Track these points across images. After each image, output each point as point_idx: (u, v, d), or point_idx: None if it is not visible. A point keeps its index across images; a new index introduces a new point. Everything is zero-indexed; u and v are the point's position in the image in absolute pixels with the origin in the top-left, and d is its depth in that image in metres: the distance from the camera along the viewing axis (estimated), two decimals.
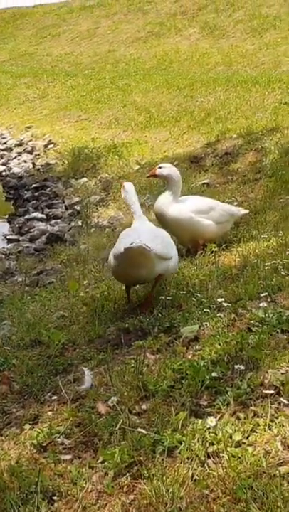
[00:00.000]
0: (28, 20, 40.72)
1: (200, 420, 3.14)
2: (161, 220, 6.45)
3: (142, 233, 4.93)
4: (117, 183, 11.70)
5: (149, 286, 5.28)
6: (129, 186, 5.47)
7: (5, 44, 37.67)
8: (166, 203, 6.41)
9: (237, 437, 2.98)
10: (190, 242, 6.58)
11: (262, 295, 4.76)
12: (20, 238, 10.65)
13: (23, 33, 38.55)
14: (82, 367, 4.07)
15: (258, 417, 3.13)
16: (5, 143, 19.29)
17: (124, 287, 5.36)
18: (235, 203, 8.18)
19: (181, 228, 6.40)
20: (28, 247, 9.91)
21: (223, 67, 23.01)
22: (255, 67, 22.03)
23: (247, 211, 6.97)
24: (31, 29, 38.92)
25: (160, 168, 6.47)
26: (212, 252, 6.35)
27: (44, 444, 3.25)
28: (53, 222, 11.15)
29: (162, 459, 2.91)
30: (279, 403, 3.20)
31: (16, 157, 17.52)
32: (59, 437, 3.29)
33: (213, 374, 3.56)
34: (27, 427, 3.51)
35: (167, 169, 6.43)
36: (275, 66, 21.11)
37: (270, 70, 20.21)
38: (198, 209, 6.45)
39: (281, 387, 3.32)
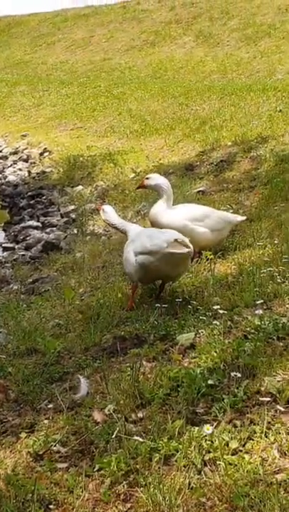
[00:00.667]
0: (23, 29, 40.80)
1: (196, 428, 3.14)
2: (155, 227, 6.46)
3: (174, 233, 5.33)
4: (112, 191, 11.72)
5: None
6: (108, 208, 5.98)
7: (0, 52, 37.72)
8: (161, 210, 6.42)
9: (234, 445, 2.98)
10: None
11: (258, 302, 4.76)
12: (16, 246, 10.63)
13: (18, 42, 38.62)
14: (78, 375, 4.06)
15: (254, 424, 3.12)
16: (0, 151, 19.29)
17: (130, 290, 5.57)
18: (231, 211, 8.19)
19: None
20: (23, 255, 9.89)
21: (218, 76, 23.08)
22: (250, 75, 22.10)
23: (244, 218, 6.98)
24: (26, 37, 38.99)
25: (147, 179, 6.54)
26: (208, 260, 6.35)
27: (40, 453, 3.25)
28: (48, 230, 11.14)
29: (159, 467, 2.91)
30: (275, 410, 3.20)
31: (11, 165, 17.51)
32: (55, 445, 3.28)
33: (210, 381, 3.56)
34: (23, 435, 3.50)
35: (155, 179, 6.49)
36: (270, 74, 21.18)
37: (265, 78, 20.27)
38: (193, 216, 6.46)
39: (277, 395, 3.32)
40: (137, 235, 5.57)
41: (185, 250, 5.15)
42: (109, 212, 5.91)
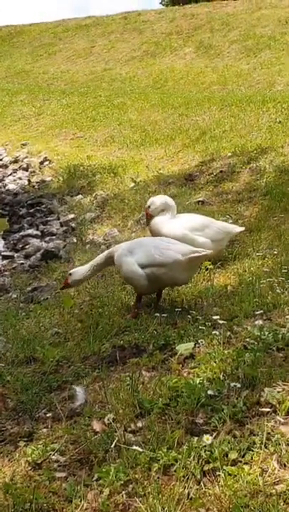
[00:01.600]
0: (24, 39, 40.96)
1: (196, 438, 3.13)
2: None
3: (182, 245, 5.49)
4: (112, 200, 11.73)
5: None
6: (74, 271, 5.87)
7: (1, 62, 37.86)
8: (161, 221, 6.45)
9: (233, 455, 2.96)
10: None
11: (257, 313, 4.76)
12: (15, 255, 10.62)
13: (20, 51, 38.76)
14: (74, 386, 4.04)
15: (254, 435, 3.11)
16: (0, 160, 19.32)
17: (135, 299, 5.57)
18: (230, 221, 8.21)
19: None
20: (22, 263, 9.88)
21: (218, 87, 23.17)
22: (250, 86, 22.19)
23: (242, 229, 6.99)
24: (27, 47, 39.14)
25: (149, 207, 6.58)
26: (207, 270, 6.36)
27: (39, 462, 3.23)
28: (47, 238, 11.13)
29: (158, 477, 2.90)
30: (275, 421, 3.19)
31: (11, 174, 17.54)
32: (54, 455, 3.27)
33: (209, 392, 3.55)
34: (21, 444, 3.48)
35: (155, 203, 6.57)
36: (270, 85, 21.28)
37: (265, 90, 20.36)
38: (193, 226, 6.48)
39: (277, 406, 3.31)
40: (133, 246, 5.56)
41: (207, 252, 5.39)
42: (77, 271, 5.83)
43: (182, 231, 6.39)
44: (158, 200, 6.62)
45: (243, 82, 23.11)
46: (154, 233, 6.50)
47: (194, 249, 5.36)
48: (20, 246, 11.11)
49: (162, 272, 5.28)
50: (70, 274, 5.85)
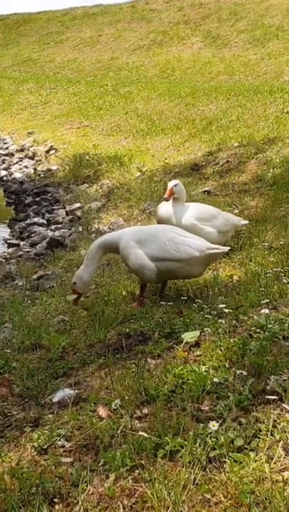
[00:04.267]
0: (31, 27, 40.87)
1: (201, 425, 3.13)
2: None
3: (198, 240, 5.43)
4: (117, 189, 11.72)
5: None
6: (78, 273, 5.59)
7: (8, 50, 37.78)
8: (170, 210, 6.43)
9: (239, 442, 2.97)
10: None
11: (263, 302, 4.75)
12: (21, 243, 10.65)
13: (27, 39, 38.68)
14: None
15: (260, 422, 3.11)
16: (7, 148, 19.33)
17: (139, 288, 5.53)
18: (236, 211, 8.20)
19: None
20: (28, 251, 9.91)
21: (226, 76, 23.09)
22: (258, 76, 22.10)
23: (247, 222, 6.98)
24: (35, 35, 39.06)
25: (176, 185, 6.40)
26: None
27: (45, 447, 3.24)
28: (53, 227, 11.16)
29: (164, 463, 2.90)
30: (281, 409, 3.19)
31: (17, 162, 17.55)
32: (60, 440, 3.27)
33: (215, 379, 3.55)
34: (27, 429, 3.49)
35: (179, 185, 6.41)
36: (277, 76, 21.19)
37: (272, 80, 20.28)
38: (202, 217, 6.47)
39: (283, 393, 3.31)
40: (142, 236, 5.37)
41: (226, 249, 5.39)
42: (78, 277, 5.56)
43: (192, 221, 6.37)
44: (181, 184, 6.49)
45: (250, 72, 23.03)
46: (163, 221, 6.46)
47: (211, 246, 5.29)
48: (26, 234, 11.15)
49: (177, 266, 5.23)
50: (74, 283, 5.57)
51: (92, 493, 2.80)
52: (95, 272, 5.83)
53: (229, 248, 5.60)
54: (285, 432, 2.99)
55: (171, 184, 6.40)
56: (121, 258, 5.67)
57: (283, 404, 3.21)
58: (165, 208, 6.52)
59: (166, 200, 6.40)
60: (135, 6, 37.14)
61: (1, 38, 40.84)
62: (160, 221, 6.57)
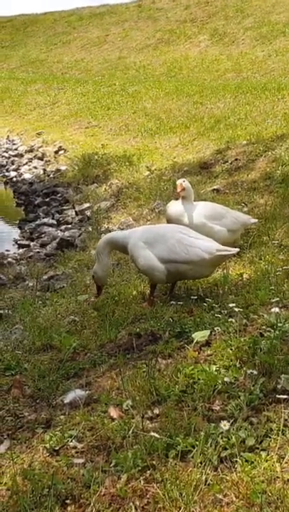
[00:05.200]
0: (38, 28, 40.94)
1: (212, 425, 3.13)
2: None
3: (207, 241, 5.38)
4: (126, 189, 11.73)
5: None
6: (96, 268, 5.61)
7: (16, 51, 37.86)
8: (180, 209, 6.42)
9: (250, 442, 2.97)
10: None
11: (273, 300, 4.74)
12: (31, 243, 10.68)
13: (34, 40, 38.75)
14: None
15: (271, 422, 3.12)
16: (16, 149, 19.38)
17: (149, 288, 5.51)
18: (245, 209, 8.18)
19: None
20: (38, 252, 9.94)
21: (233, 74, 23.04)
22: (265, 73, 22.05)
23: (256, 221, 6.97)
24: (42, 36, 39.13)
25: (184, 181, 6.43)
26: None
27: (56, 448, 3.25)
28: (63, 227, 11.18)
29: (175, 463, 2.91)
30: None
31: (26, 163, 17.60)
32: (71, 441, 3.29)
33: (226, 379, 3.55)
34: (39, 430, 3.51)
35: (187, 182, 6.43)
36: (285, 73, 21.12)
37: (280, 77, 20.21)
38: (211, 215, 6.46)
39: None
40: (151, 237, 5.35)
41: (235, 250, 5.32)
42: (96, 270, 5.62)
43: (201, 220, 6.37)
44: (188, 182, 6.51)
45: (257, 69, 22.97)
46: (172, 220, 6.45)
47: (221, 248, 5.26)
48: (36, 235, 11.18)
49: (187, 268, 5.23)
50: (94, 275, 5.66)
51: (104, 494, 2.81)
52: (110, 264, 5.84)
53: (238, 250, 5.57)
54: None
55: (179, 181, 6.42)
56: (130, 258, 5.68)
57: None
58: (174, 207, 6.51)
59: (178, 196, 6.41)
60: (142, 5, 37.13)
61: (9, 39, 40.96)
62: (169, 220, 6.57)
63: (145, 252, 5.29)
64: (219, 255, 5.21)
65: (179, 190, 6.34)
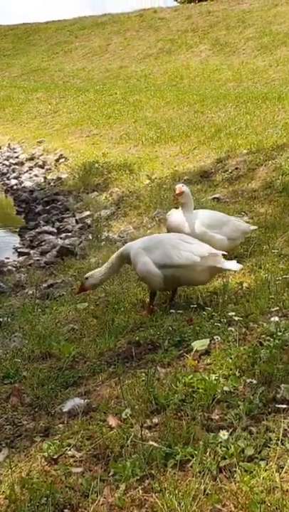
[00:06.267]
0: (40, 36, 41.06)
1: (212, 434, 3.12)
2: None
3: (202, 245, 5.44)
4: (127, 197, 11.73)
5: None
6: (89, 275, 5.66)
7: (18, 59, 37.98)
8: (182, 217, 6.42)
9: (249, 452, 2.96)
10: None
11: (273, 309, 4.74)
12: (31, 251, 10.66)
13: (36, 49, 38.86)
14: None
15: (270, 431, 3.10)
16: (17, 157, 19.40)
17: (149, 296, 5.52)
18: (245, 218, 8.19)
19: None
20: (38, 260, 9.92)
21: (234, 84, 23.10)
22: (266, 83, 22.10)
23: (255, 227, 6.99)
24: (44, 45, 39.24)
25: (184, 185, 6.44)
26: None
27: (55, 457, 3.24)
28: (63, 235, 11.17)
29: (174, 473, 2.90)
30: None
31: (27, 171, 17.61)
32: (70, 450, 3.27)
33: (225, 388, 3.54)
34: (38, 439, 3.50)
35: (186, 188, 6.43)
36: (286, 82, 21.16)
37: (281, 87, 20.25)
38: (212, 224, 6.46)
39: None
40: (150, 244, 5.42)
41: (235, 268, 5.41)
42: (92, 274, 5.66)
43: (202, 229, 6.37)
44: (187, 188, 6.51)
45: (258, 79, 23.02)
46: (173, 228, 6.45)
47: (214, 251, 5.33)
48: (36, 243, 11.16)
49: (181, 273, 5.25)
50: (87, 278, 5.68)
51: (102, 504, 2.80)
52: (108, 278, 5.85)
53: (241, 266, 5.59)
54: None
55: (178, 185, 6.45)
56: (132, 266, 5.69)
57: None
58: (175, 216, 6.51)
59: (176, 199, 6.42)
60: (143, 15, 37.25)
61: (11, 47, 41.08)
62: (170, 229, 6.57)
63: (144, 257, 5.35)
64: (212, 261, 5.23)
65: (177, 192, 6.35)
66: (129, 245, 5.68)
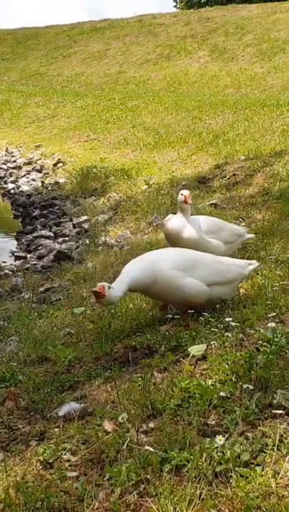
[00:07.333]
0: (39, 41, 41.15)
1: (208, 439, 3.11)
2: (174, 241, 6.39)
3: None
4: (124, 202, 11.74)
5: None
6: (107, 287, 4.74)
7: (16, 64, 38.04)
8: (180, 223, 6.41)
9: (245, 457, 2.95)
10: None
11: (270, 315, 4.73)
12: (28, 255, 10.67)
13: (35, 53, 38.94)
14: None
15: (266, 437, 3.10)
16: (14, 161, 19.42)
17: (185, 314, 5.12)
18: (243, 224, 8.19)
19: (192, 248, 6.38)
20: (35, 264, 9.92)
21: (232, 90, 23.16)
22: (264, 90, 22.17)
23: (253, 236, 6.99)
24: (43, 49, 39.33)
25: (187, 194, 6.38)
26: None
27: (50, 461, 3.23)
28: (60, 240, 11.17)
29: (170, 478, 2.89)
30: (288, 423, 3.17)
31: (25, 175, 17.63)
32: (65, 454, 3.26)
33: (221, 393, 3.54)
34: (33, 443, 3.49)
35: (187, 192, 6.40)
36: (284, 89, 21.24)
37: (279, 93, 20.33)
38: (208, 229, 6.45)
39: None
40: (183, 264, 5.01)
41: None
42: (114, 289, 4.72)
43: (201, 234, 6.36)
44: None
45: (257, 85, 23.10)
46: (172, 234, 6.43)
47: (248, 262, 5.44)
48: (33, 247, 11.16)
49: (226, 288, 5.21)
50: (109, 287, 4.63)
51: (97, 508, 2.79)
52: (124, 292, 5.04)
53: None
54: None
55: (186, 192, 6.34)
56: (159, 291, 5.01)
57: None
58: (173, 222, 6.50)
59: (185, 206, 6.31)
60: (142, 21, 37.38)
61: (10, 51, 41.16)
62: (168, 235, 6.55)
63: (187, 279, 4.97)
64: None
65: (189, 201, 6.28)
66: (148, 265, 4.95)
